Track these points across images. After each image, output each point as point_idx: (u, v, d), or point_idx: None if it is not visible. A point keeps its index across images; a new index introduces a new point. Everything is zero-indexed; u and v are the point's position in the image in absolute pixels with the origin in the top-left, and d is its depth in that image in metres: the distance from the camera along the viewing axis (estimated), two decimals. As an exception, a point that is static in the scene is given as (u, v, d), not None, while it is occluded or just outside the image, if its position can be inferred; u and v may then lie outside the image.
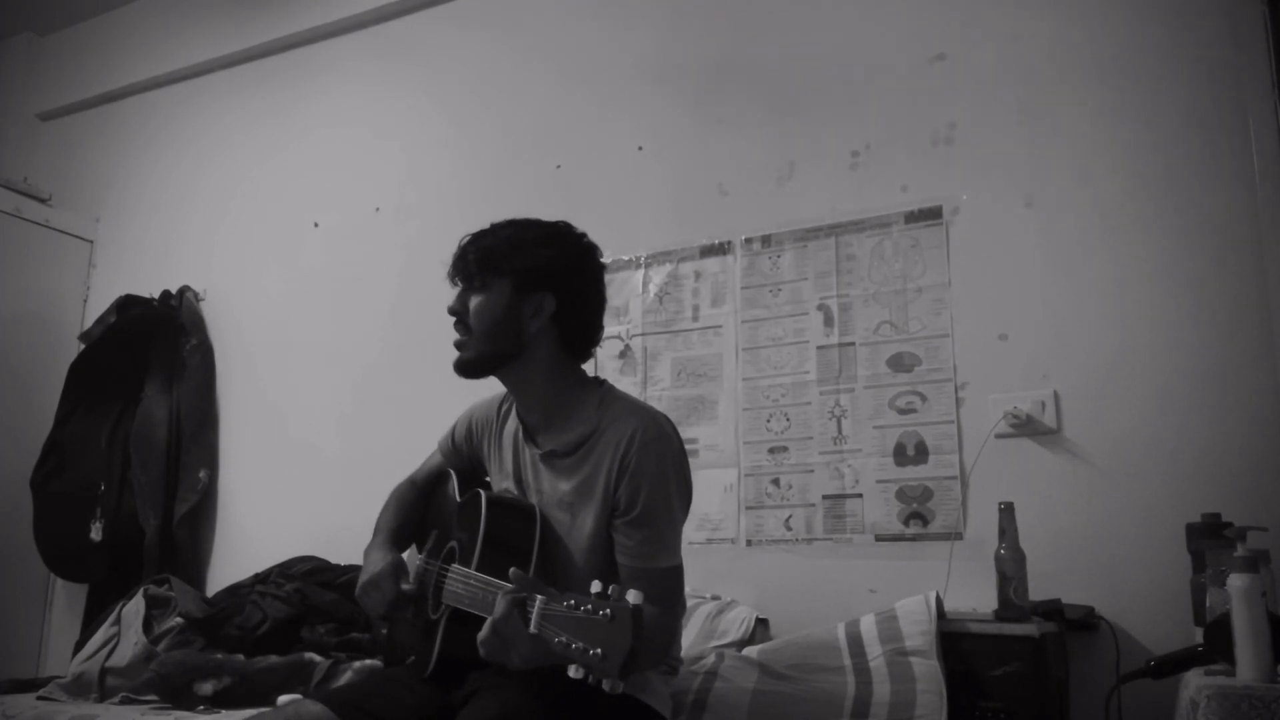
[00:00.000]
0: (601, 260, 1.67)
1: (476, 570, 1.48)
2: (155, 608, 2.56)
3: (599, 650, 1.12)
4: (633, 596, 1.14)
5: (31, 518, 3.21)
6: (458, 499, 1.69)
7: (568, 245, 1.63)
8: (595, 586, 1.18)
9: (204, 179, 3.61)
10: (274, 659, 2.29)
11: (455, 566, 1.55)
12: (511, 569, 1.30)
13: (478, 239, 1.63)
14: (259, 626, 2.41)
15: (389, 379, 3.03)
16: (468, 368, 1.61)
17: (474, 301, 1.59)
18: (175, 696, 2.24)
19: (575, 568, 1.54)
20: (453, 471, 1.78)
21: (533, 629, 1.21)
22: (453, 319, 1.62)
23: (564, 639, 1.16)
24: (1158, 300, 2.10)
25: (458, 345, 1.62)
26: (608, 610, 1.13)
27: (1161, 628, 1.92)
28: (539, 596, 1.22)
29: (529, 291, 1.58)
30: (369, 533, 1.75)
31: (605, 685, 1.12)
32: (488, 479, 1.76)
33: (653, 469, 1.52)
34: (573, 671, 1.13)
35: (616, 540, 1.53)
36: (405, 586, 1.61)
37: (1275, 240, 1.99)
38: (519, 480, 1.66)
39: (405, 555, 1.74)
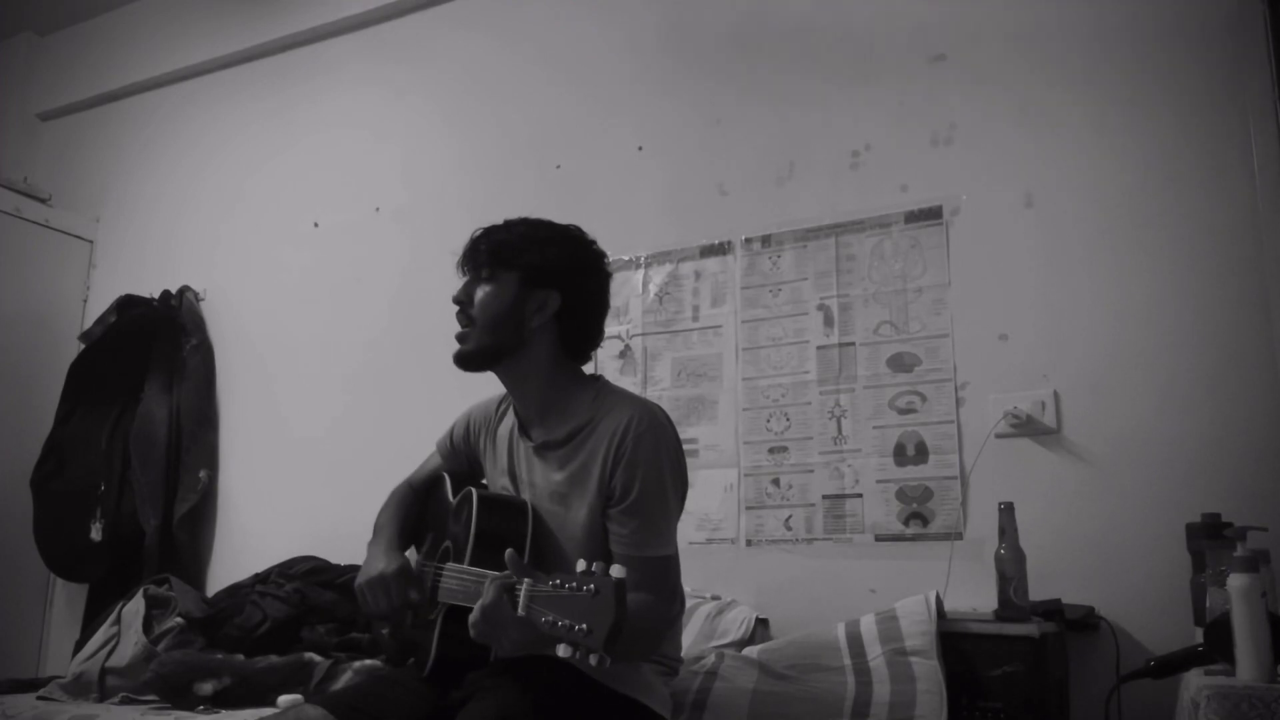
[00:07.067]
0: (609, 269, 1.69)
1: (469, 566, 1.48)
2: (155, 608, 2.56)
3: (584, 625, 1.12)
4: (616, 571, 1.14)
5: (31, 518, 3.21)
6: (451, 500, 1.70)
7: (578, 247, 1.65)
8: (580, 565, 1.18)
9: (204, 179, 3.61)
10: (274, 659, 2.29)
11: (449, 564, 1.55)
12: (508, 550, 1.30)
13: (490, 232, 1.64)
14: (259, 626, 2.41)
15: (389, 379, 3.03)
16: (467, 359, 1.62)
17: (480, 292, 1.60)
18: (175, 696, 2.24)
19: (569, 559, 1.54)
20: (446, 475, 1.79)
21: (520, 611, 1.22)
22: (456, 308, 1.63)
23: (550, 618, 1.16)
24: (1158, 300, 2.10)
25: (459, 337, 1.62)
26: (592, 585, 1.14)
27: (1161, 628, 1.92)
28: (526, 579, 1.23)
29: (535, 287, 1.59)
30: (368, 532, 1.75)
31: (592, 660, 1.11)
32: (484, 481, 1.77)
33: (648, 457, 1.53)
34: (561, 651, 1.13)
35: (610, 529, 1.54)
36: (414, 596, 1.59)
37: (1275, 240, 1.99)
38: (512, 474, 1.67)
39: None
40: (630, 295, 2.68)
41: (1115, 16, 2.24)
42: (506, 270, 1.60)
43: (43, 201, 3.66)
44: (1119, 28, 2.23)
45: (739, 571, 2.38)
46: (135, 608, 2.56)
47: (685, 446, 1.65)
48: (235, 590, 2.63)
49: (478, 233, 1.65)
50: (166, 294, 3.44)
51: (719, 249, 2.60)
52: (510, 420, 1.70)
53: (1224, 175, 2.07)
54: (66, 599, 3.40)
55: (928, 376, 2.28)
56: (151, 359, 3.34)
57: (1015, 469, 2.15)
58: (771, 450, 2.42)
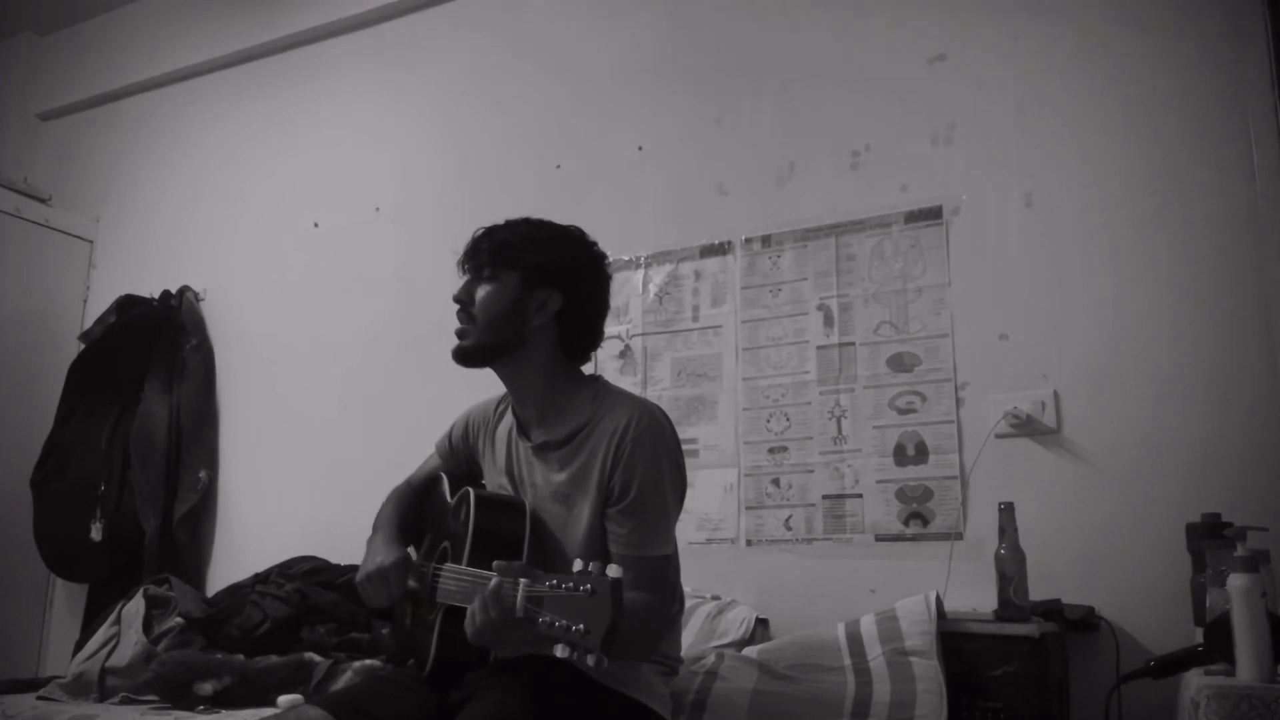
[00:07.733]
0: (609, 269, 1.70)
1: (467, 566, 1.48)
2: (155, 608, 2.56)
3: (581, 625, 1.12)
4: (613, 570, 1.14)
5: (31, 518, 3.21)
6: (449, 500, 1.70)
7: (579, 248, 1.66)
8: (577, 565, 1.18)
9: (204, 179, 3.61)
10: (274, 659, 2.29)
11: (448, 565, 1.55)
12: (495, 561, 1.30)
13: (491, 232, 1.65)
14: (259, 626, 2.41)
15: (389, 378, 3.03)
16: (467, 355, 1.62)
17: (481, 291, 1.61)
18: (175, 696, 2.24)
19: (570, 560, 1.54)
20: (444, 475, 1.79)
21: (518, 612, 1.22)
22: (455, 307, 1.63)
23: (548, 618, 1.16)
24: (1157, 300, 2.10)
25: (459, 334, 1.63)
26: (588, 585, 1.14)
27: (1161, 628, 1.92)
28: (523, 579, 1.23)
29: (536, 287, 1.60)
30: (368, 532, 1.75)
31: (590, 660, 1.11)
32: (484, 482, 1.77)
33: (647, 457, 1.53)
34: (559, 651, 1.13)
35: (609, 529, 1.54)
36: (412, 584, 1.60)
37: (1275, 240, 1.99)
38: (511, 475, 1.67)
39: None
40: (630, 295, 2.68)
41: (1115, 16, 2.24)
42: (508, 270, 1.60)
43: (43, 201, 3.66)
44: (1119, 28, 2.23)
45: (739, 571, 2.38)
46: (135, 608, 2.56)
47: (685, 446, 1.66)
48: (235, 590, 2.62)
49: (479, 232, 1.66)
50: (166, 294, 3.44)
51: (719, 249, 2.60)
52: (509, 421, 1.70)
53: (1224, 175, 2.07)
54: (66, 599, 3.40)
55: (928, 376, 2.28)
56: (151, 359, 3.34)
57: (1015, 469, 2.15)
58: (771, 450, 2.42)
